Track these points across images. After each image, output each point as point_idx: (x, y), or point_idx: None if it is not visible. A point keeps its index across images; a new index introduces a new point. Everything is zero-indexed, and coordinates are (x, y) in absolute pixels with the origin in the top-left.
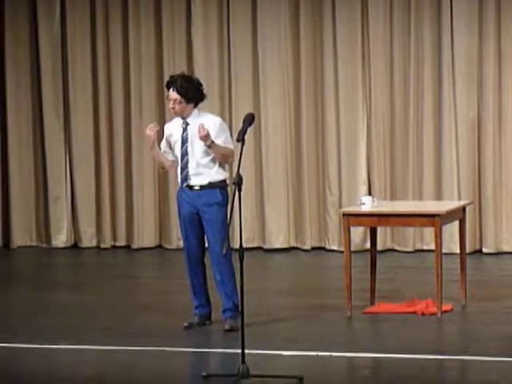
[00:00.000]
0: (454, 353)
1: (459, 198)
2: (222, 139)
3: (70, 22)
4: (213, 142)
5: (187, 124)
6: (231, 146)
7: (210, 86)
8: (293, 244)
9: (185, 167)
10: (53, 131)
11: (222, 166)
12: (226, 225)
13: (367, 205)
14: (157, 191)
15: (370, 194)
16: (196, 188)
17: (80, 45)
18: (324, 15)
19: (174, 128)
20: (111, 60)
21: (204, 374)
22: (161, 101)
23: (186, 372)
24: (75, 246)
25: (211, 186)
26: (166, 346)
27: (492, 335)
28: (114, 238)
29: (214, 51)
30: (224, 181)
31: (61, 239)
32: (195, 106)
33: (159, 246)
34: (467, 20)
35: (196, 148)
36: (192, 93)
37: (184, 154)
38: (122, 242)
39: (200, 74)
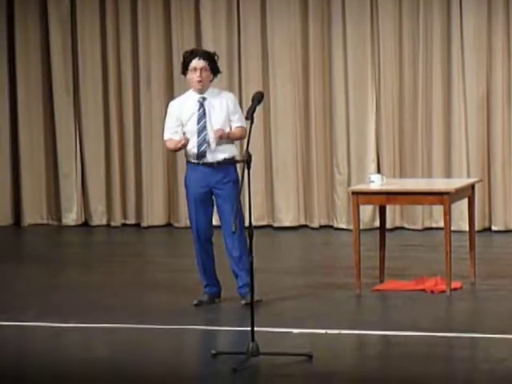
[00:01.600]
0: (463, 330)
1: (468, 176)
2: (238, 116)
3: (79, 0)
4: (229, 133)
5: (204, 99)
6: (244, 124)
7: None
8: (302, 222)
9: (202, 143)
10: (62, 108)
11: (233, 143)
12: (238, 202)
13: (376, 183)
14: (166, 169)
15: (378, 172)
16: (213, 165)
17: (89, 21)
18: None
19: (185, 104)
20: (120, 36)
21: (213, 351)
22: (169, 77)
23: (195, 350)
24: (86, 224)
25: (226, 162)
26: (176, 324)
27: (501, 312)
28: (124, 216)
29: (222, 30)
30: (236, 157)
31: (71, 217)
32: (212, 79)
33: (169, 225)
34: None
35: (214, 124)
36: (215, 64)
37: (201, 129)
38: (131, 220)
39: None
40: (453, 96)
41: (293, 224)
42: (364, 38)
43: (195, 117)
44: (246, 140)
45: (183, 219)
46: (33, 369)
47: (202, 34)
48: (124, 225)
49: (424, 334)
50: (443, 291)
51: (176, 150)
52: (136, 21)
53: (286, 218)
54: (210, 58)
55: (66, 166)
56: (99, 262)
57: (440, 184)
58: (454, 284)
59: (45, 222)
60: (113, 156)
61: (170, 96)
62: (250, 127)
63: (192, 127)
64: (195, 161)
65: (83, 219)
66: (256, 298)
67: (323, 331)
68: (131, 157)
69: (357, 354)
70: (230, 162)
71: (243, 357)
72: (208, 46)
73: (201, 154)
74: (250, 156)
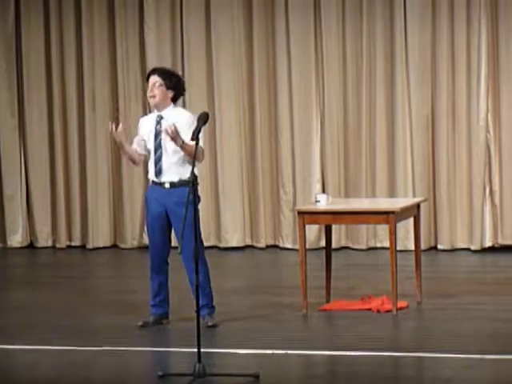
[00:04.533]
0: (409, 350)
1: (414, 195)
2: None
3: (24, 18)
4: (183, 142)
5: (161, 117)
6: (202, 145)
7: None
8: (248, 242)
9: (158, 160)
10: (7, 129)
11: (191, 163)
12: (197, 223)
13: (322, 202)
14: (111, 191)
15: (323, 192)
16: (166, 186)
17: (34, 43)
18: (277, 14)
19: (146, 121)
20: (65, 59)
21: (160, 373)
22: (114, 98)
23: (141, 371)
24: (31, 246)
25: (181, 183)
26: (122, 346)
27: (447, 332)
28: (70, 238)
29: (167, 50)
30: (195, 179)
31: (16, 239)
32: (173, 99)
33: (114, 246)
34: (420, 16)
35: (168, 142)
36: (174, 81)
37: (157, 147)
38: (77, 242)
39: None
40: (397, 117)
41: (239, 244)
42: (308, 58)
43: (152, 134)
44: (191, 160)
45: (129, 240)
46: None
47: (147, 55)
48: (69, 246)
49: (371, 354)
50: (389, 310)
51: (133, 162)
52: (81, 42)
53: (233, 239)
54: (166, 75)
55: (11, 188)
56: (45, 284)
57: (385, 203)
58: (400, 303)
59: None
60: (58, 178)
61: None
62: (196, 148)
63: (151, 145)
64: (154, 179)
65: (28, 241)
66: (213, 321)
67: (270, 351)
68: (76, 179)
69: (304, 374)
70: (187, 184)
71: (190, 378)
72: (152, 66)
73: (158, 172)
74: (195, 177)
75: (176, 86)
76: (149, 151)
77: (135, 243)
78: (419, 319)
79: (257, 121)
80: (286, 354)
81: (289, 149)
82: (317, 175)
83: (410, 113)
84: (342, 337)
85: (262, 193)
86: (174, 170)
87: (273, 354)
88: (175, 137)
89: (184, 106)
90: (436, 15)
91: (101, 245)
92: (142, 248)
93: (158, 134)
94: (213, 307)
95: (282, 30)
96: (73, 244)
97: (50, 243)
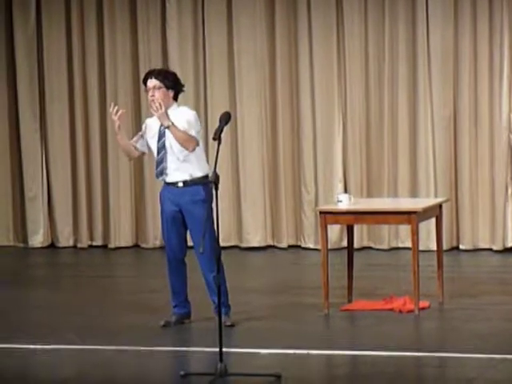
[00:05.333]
0: (431, 350)
1: (436, 196)
2: (188, 129)
3: (45, 19)
4: (172, 123)
5: None
6: (193, 135)
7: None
8: (270, 242)
9: (160, 161)
10: (29, 131)
11: (202, 161)
12: (211, 222)
13: (344, 202)
14: (133, 190)
15: (345, 191)
16: (179, 185)
17: (55, 43)
18: (299, 13)
19: (153, 123)
20: (87, 59)
21: (182, 372)
22: (136, 98)
23: (164, 371)
24: (52, 246)
25: (193, 182)
26: (144, 345)
27: (469, 332)
28: (91, 238)
29: (189, 50)
30: (206, 176)
31: (38, 239)
32: (175, 96)
33: (136, 246)
34: (443, 16)
35: (172, 142)
36: (171, 81)
37: (161, 148)
38: (98, 242)
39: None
40: (419, 117)
41: (261, 244)
42: (330, 58)
43: (157, 135)
44: (213, 160)
45: (151, 240)
46: None
47: (169, 54)
48: (91, 246)
49: (392, 354)
50: (411, 311)
51: (129, 156)
52: (103, 42)
53: (254, 239)
54: (163, 76)
55: (33, 188)
56: (66, 284)
57: (408, 203)
58: (422, 303)
59: (11, 244)
60: (79, 178)
61: (138, 118)
62: (218, 148)
63: (154, 146)
64: (156, 178)
65: (50, 241)
66: (231, 321)
67: (292, 351)
68: (98, 178)
69: (325, 374)
70: (199, 183)
71: (212, 378)
72: (174, 65)
73: (159, 173)
74: (217, 177)
75: (174, 84)
76: (152, 151)
77: (157, 243)
78: (441, 319)
79: (279, 121)
80: (308, 354)
81: (311, 149)
82: (339, 175)
83: (431, 113)
84: (364, 337)
85: (284, 193)
86: (184, 168)
87: (294, 353)
88: (161, 113)
89: (206, 106)
90: (458, 16)
91: (123, 244)
92: (164, 248)
93: (161, 136)
94: (228, 306)
95: (304, 30)
96: (94, 244)
97: (71, 243)
